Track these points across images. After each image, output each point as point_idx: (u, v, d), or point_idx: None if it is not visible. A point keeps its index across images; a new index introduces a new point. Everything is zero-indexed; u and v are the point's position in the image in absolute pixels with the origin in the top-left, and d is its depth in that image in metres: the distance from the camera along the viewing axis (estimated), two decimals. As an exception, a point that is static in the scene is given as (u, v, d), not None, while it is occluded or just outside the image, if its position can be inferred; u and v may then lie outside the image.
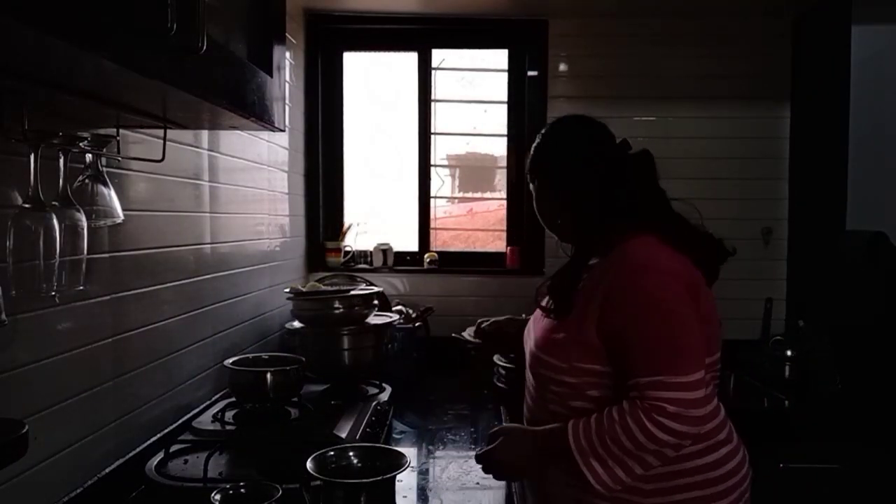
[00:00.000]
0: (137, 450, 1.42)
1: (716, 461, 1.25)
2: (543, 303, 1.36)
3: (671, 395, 1.14)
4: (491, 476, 1.34)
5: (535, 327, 1.42)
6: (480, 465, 1.33)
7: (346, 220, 3.00)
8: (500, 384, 2.36)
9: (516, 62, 2.97)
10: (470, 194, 3.13)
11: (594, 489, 1.17)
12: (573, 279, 1.31)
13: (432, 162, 3.00)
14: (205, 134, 1.76)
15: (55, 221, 0.96)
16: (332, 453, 1.19)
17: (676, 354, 1.16)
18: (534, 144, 1.45)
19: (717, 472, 1.25)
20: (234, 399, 1.72)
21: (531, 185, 1.45)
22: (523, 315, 1.62)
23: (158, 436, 1.50)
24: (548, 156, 1.42)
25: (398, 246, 2.97)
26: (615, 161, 1.37)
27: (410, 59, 2.98)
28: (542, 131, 1.46)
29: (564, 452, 1.19)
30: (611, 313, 1.22)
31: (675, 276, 1.23)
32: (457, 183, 3.11)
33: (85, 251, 1.04)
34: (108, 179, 1.18)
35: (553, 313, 1.32)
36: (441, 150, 3.03)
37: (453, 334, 2.74)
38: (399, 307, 2.66)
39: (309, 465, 1.13)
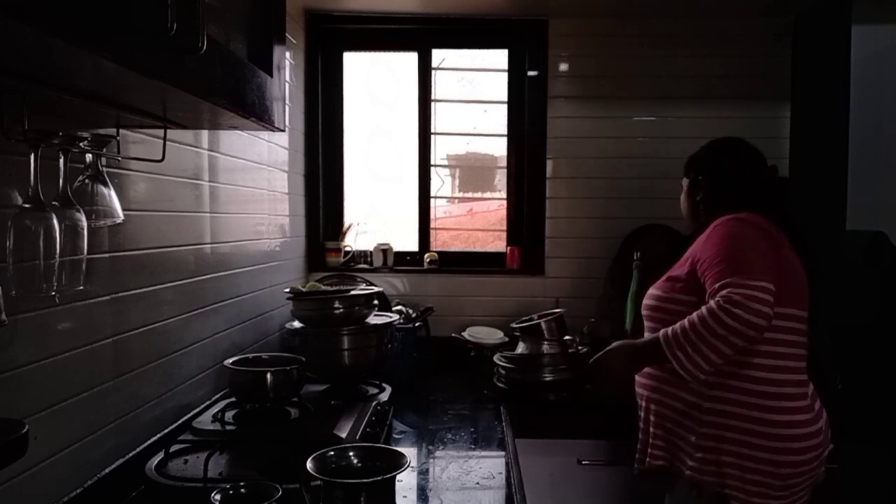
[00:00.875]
0: (137, 450, 1.42)
1: (777, 417, 1.49)
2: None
3: (739, 290, 1.41)
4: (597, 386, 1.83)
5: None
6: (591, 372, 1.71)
7: (346, 220, 3.00)
8: (500, 384, 2.36)
9: (516, 62, 2.97)
10: (470, 194, 3.13)
11: (688, 376, 1.47)
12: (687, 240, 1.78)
13: (432, 162, 3.00)
14: (205, 134, 1.76)
15: (55, 221, 0.96)
16: (332, 453, 1.19)
17: (745, 267, 1.46)
18: (705, 150, 1.84)
19: (775, 422, 1.48)
20: (234, 399, 1.72)
21: (686, 180, 1.86)
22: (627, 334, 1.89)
23: (158, 436, 1.50)
24: (711, 160, 1.80)
25: (398, 246, 2.97)
26: (759, 180, 1.74)
27: (410, 59, 2.98)
28: (710, 143, 1.84)
29: (657, 351, 1.52)
30: (700, 252, 1.59)
31: (751, 222, 1.57)
32: (457, 183, 3.11)
33: (85, 251, 1.04)
34: (108, 179, 1.18)
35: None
36: (441, 150, 3.03)
37: (453, 334, 2.75)
38: (399, 307, 2.66)
39: (309, 465, 1.13)
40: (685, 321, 1.48)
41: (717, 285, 1.46)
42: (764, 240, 1.54)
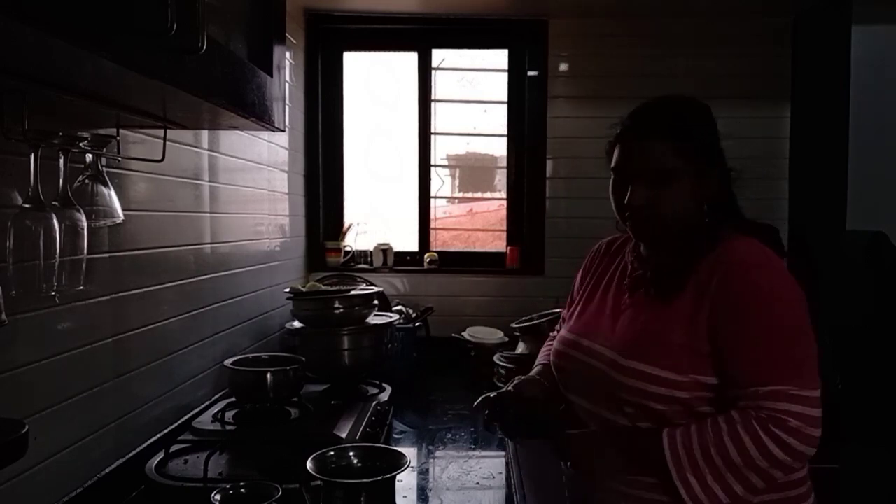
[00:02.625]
0: (137, 450, 1.42)
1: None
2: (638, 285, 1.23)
3: (794, 408, 1.02)
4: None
5: (606, 322, 1.23)
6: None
7: (346, 220, 3.00)
8: (500, 384, 2.36)
9: (516, 62, 2.97)
10: (470, 194, 3.13)
11: None
12: (686, 262, 1.16)
13: (432, 162, 3.00)
14: (205, 134, 1.76)
15: (55, 221, 0.96)
16: (332, 453, 1.19)
17: (799, 364, 1.06)
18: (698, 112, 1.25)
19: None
20: (234, 399, 1.72)
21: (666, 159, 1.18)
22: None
23: (158, 436, 1.50)
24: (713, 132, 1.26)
25: (398, 246, 2.98)
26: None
27: (410, 59, 2.98)
28: (686, 102, 1.25)
29: (655, 461, 1.06)
30: (723, 312, 1.08)
31: (790, 278, 1.10)
32: (457, 183, 3.11)
33: (85, 251, 1.04)
34: (108, 179, 1.18)
35: (661, 292, 1.16)
36: (441, 150, 3.03)
37: (453, 334, 2.75)
38: (399, 307, 2.66)
39: (309, 465, 1.13)
40: (708, 434, 1.04)
41: (764, 389, 1.03)
42: (807, 309, 1.10)
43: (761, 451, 1.01)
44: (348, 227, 2.97)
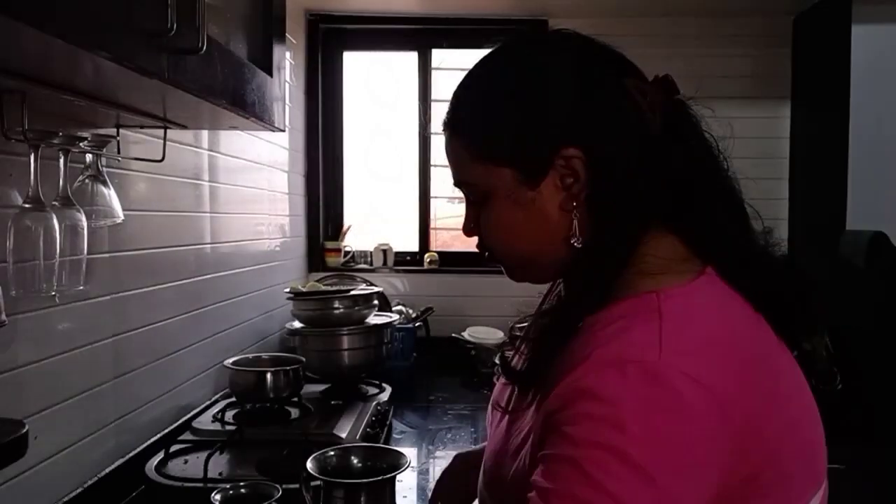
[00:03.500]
0: (137, 450, 1.42)
1: None
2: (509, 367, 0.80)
3: None
4: None
5: (491, 426, 0.85)
6: None
7: (346, 221, 3.00)
8: (500, 384, 2.36)
9: (516, 62, 2.96)
10: (470, 194, 3.13)
11: None
12: (562, 334, 0.69)
13: (432, 162, 3.00)
14: (205, 134, 1.76)
15: (55, 221, 0.96)
16: (332, 453, 1.19)
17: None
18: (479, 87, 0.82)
19: None
20: (234, 399, 1.72)
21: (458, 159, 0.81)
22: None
23: (158, 436, 1.50)
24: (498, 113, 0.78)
25: (398, 246, 2.97)
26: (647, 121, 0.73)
27: (410, 59, 2.97)
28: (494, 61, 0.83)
29: None
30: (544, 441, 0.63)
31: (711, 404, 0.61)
32: (457, 183, 3.11)
33: (85, 251, 1.04)
34: (108, 179, 1.18)
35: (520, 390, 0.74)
36: (441, 150, 3.03)
37: (453, 334, 2.75)
38: (399, 307, 2.66)
39: (309, 465, 1.13)
40: None
41: None
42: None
43: None
44: (348, 228, 2.97)
